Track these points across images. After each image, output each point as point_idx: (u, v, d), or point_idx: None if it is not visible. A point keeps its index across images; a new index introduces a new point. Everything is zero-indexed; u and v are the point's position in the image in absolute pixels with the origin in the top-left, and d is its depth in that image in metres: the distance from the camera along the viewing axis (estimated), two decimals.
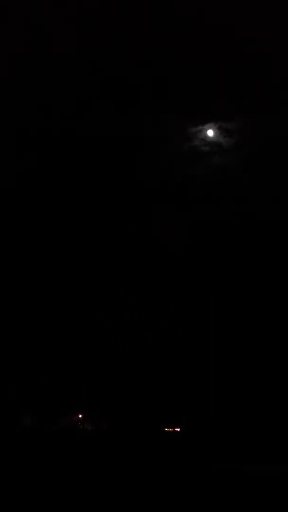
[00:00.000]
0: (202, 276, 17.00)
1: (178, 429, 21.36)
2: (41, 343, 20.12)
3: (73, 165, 16.56)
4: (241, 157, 16.34)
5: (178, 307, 18.12)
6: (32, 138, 16.61)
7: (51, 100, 16.00)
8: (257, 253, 16.61)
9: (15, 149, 16.73)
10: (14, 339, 19.62)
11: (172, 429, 22.63)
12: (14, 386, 20.96)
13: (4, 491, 9.75)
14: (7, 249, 17.58)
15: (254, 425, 17.24)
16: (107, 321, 19.48)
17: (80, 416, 23.95)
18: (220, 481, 11.65)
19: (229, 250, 16.70)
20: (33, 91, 16.07)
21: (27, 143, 16.60)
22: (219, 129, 16.23)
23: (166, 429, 22.32)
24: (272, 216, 16.11)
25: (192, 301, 17.55)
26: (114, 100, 16.13)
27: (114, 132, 16.39)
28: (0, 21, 15.48)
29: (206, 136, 16.31)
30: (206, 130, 16.30)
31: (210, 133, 16.28)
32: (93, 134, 16.41)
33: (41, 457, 14.99)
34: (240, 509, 9.10)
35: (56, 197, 16.86)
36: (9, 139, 16.70)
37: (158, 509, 8.71)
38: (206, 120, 16.21)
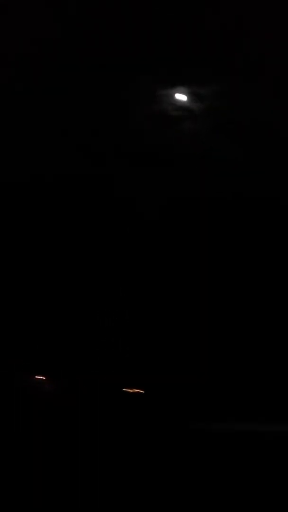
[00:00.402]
0: (177, 247, 16.98)
1: (141, 391, 21.76)
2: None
3: (47, 130, 15.93)
4: (212, 124, 16.09)
5: (155, 277, 18.08)
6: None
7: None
8: (228, 224, 16.73)
9: None
10: None
11: (132, 390, 23.05)
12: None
13: None
14: None
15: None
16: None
17: (37, 377, 24.04)
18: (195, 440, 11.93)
19: (201, 220, 16.70)
20: None
21: None
22: (191, 94, 15.82)
23: (126, 390, 22.72)
24: (243, 184, 16.14)
25: (170, 271, 17.55)
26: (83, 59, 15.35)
27: (82, 93, 15.73)
28: None
29: (177, 100, 15.88)
30: (177, 94, 15.85)
31: (181, 97, 15.85)
32: (60, 94, 15.71)
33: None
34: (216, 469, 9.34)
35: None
36: None
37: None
38: (177, 84, 15.73)
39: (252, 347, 17.58)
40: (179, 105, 15.88)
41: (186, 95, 15.72)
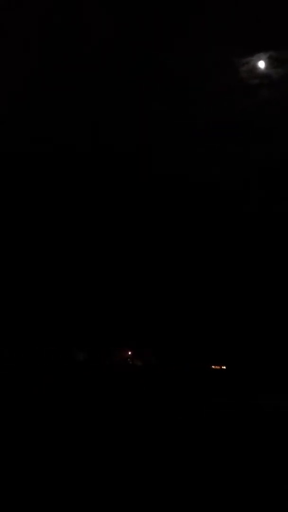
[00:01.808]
0: (258, 214, 16.47)
1: (224, 367, 21.56)
2: (92, 282, 20.45)
3: (121, 99, 16.12)
4: None
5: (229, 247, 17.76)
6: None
7: None
8: None
9: None
10: (67, 278, 20.02)
11: (218, 367, 22.88)
12: (69, 324, 21.60)
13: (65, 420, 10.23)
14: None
15: None
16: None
17: (130, 353, 24.58)
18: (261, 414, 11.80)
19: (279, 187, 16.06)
20: None
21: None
22: (270, 59, 15.21)
23: (212, 366, 22.59)
24: None
25: (241, 241, 17.17)
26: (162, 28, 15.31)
27: (161, 64, 15.71)
28: None
29: (256, 67, 15.35)
30: (256, 60, 15.33)
31: (260, 64, 15.30)
32: (140, 66, 15.79)
33: (95, 390, 15.57)
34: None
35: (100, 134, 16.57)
36: None
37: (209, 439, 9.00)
38: (256, 50, 15.22)
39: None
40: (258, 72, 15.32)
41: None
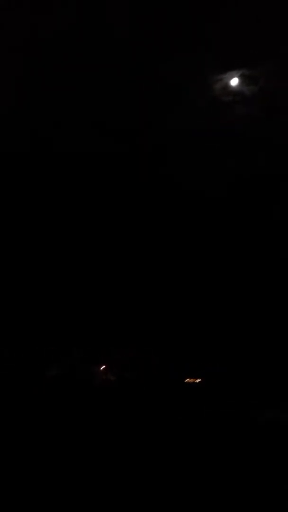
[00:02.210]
0: (233, 228, 16.77)
1: (198, 380, 21.66)
2: (67, 295, 20.37)
3: (94, 117, 16.22)
4: (266, 107, 15.76)
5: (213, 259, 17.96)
6: None
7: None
8: (283, 205, 16.32)
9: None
10: (39, 288, 19.89)
11: (193, 380, 22.99)
12: (40, 338, 21.42)
13: (28, 440, 10.00)
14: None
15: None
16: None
17: (103, 367, 24.48)
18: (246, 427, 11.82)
19: (255, 202, 16.43)
20: None
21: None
22: (242, 77, 15.60)
23: (187, 379, 22.68)
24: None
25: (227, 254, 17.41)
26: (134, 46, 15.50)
27: (132, 81, 15.88)
28: None
29: (228, 85, 15.71)
30: (228, 78, 15.69)
31: (233, 81, 15.68)
32: (108, 84, 15.94)
33: (65, 406, 15.43)
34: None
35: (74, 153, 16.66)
36: None
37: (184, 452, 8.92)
38: (228, 68, 15.57)
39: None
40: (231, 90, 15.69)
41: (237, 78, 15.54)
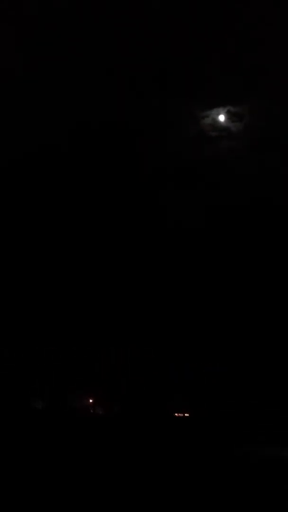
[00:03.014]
0: (215, 258, 16.95)
1: (187, 415, 21.47)
2: (51, 328, 20.27)
3: (82, 151, 16.55)
4: (251, 141, 16.17)
5: (194, 290, 18.07)
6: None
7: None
8: (268, 236, 16.57)
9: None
10: (24, 322, 19.78)
11: (181, 415, 22.75)
12: (25, 371, 21.19)
13: (14, 473, 9.90)
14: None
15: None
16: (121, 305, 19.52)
17: (90, 400, 24.19)
18: (232, 463, 11.77)
19: (241, 233, 16.66)
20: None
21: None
22: (228, 113, 16.05)
23: (175, 414, 22.46)
24: (284, 200, 16.02)
25: (206, 284, 17.54)
26: (122, 85, 15.99)
27: (122, 117, 16.28)
28: None
29: (215, 120, 16.14)
30: (215, 114, 16.13)
31: (220, 117, 16.12)
32: (102, 118, 16.31)
33: (52, 439, 15.20)
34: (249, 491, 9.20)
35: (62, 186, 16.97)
36: None
37: (169, 490, 8.88)
38: (215, 104, 16.03)
39: None
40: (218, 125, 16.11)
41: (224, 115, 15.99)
